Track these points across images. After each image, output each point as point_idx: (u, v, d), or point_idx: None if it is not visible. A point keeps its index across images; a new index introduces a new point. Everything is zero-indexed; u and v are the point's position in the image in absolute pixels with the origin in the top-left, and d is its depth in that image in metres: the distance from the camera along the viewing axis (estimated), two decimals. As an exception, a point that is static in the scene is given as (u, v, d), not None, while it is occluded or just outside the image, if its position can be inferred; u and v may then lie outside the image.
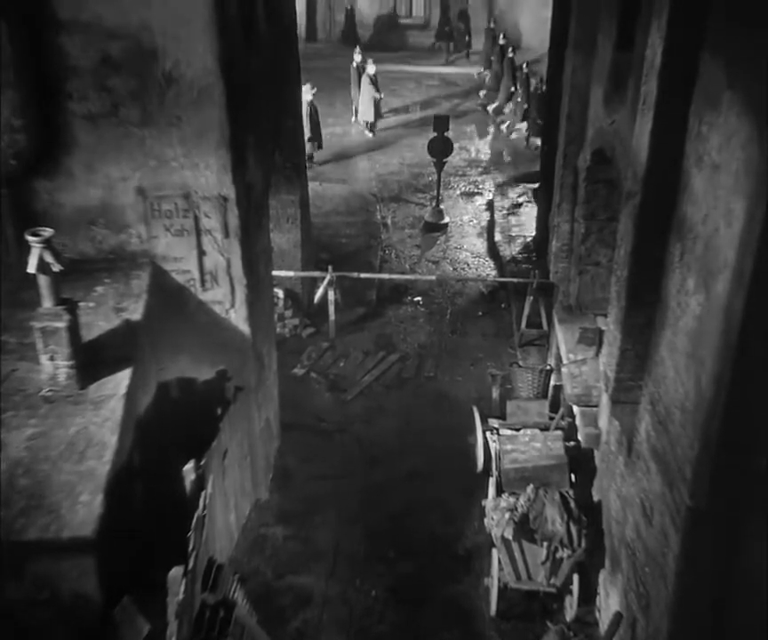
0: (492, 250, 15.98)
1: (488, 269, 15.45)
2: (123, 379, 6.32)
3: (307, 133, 18.40)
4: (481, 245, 16.36)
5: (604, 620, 7.78)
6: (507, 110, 22.86)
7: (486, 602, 8.30)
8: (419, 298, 14.28)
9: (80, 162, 7.25)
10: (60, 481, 5.46)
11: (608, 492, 7.82)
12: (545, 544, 7.76)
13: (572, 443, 8.60)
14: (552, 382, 10.48)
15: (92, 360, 6.30)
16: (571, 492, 7.97)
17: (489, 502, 8.30)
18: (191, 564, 5.57)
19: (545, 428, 8.95)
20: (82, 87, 6.99)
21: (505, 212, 17.16)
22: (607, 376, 7.63)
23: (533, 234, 15.50)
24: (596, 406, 8.29)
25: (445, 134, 16.62)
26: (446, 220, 17.18)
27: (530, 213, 16.47)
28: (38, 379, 6.20)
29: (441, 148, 16.73)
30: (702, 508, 5.49)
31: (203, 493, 6.16)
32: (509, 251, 15.54)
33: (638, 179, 6.63)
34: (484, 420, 9.31)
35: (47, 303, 5.95)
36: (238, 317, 8.09)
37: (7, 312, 6.71)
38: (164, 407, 7.10)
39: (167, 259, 7.68)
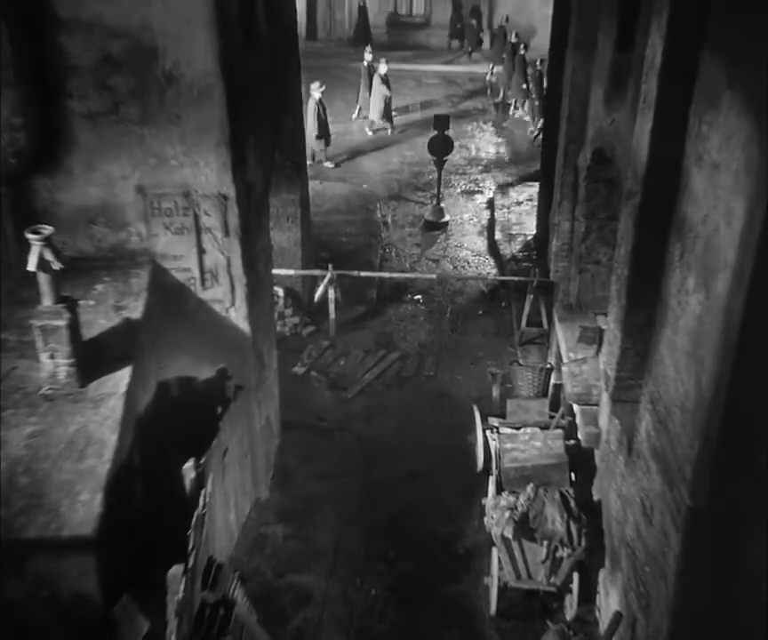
0: (493, 248, 15.98)
1: (488, 268, 15.43)
2: (123, 377, 6.32)
3: (315, 132, 18.47)
4: (481, 244, 16.35)
5: (604, 619, 7.78)
6: (522, 110, 22.73)
7: (486, 601, 8.30)
8: (419, 296, 14.28)
9: (80, 160, 7.26)
10: (59, 479, 5.47)
11: (608, 492, 7.83)
12: (545, 543, 7.76)
13: (572, 442, 8.59)
14: (552, 381, 10.48)
15: (92, 358, 6.30)
16: (571, 491, 7.97)
17: (489, 501, 8.30)
18: (191, 563, 5.57)
19: (545, 427, 8.93)
20: (82, 86, 6.99)
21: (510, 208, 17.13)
22: (607, 375, 7.63)
23: (534, 232, 15.50)
24: (596, 405, 8.29)
25: (445, 133, 16.62)
26: (446, 218, 17.16)
27: (530, 212, 16.47)
28: (38, 377, 6.20)
29: (441, 147, 16.72)
30: (702, 508, 5.49)
31: (202, 492, 6.17)
32: (510, 249, 15.54)
33: (638, 178, 6.63)
34: (484, 419, 9.30)
35: (47, 301, 5.95)
36: (238, 316, 8.09)
37: (7, 310, 6.71)
38: (164, 406, 7.10)
39: (167, 257, 7.67)
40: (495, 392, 10.73)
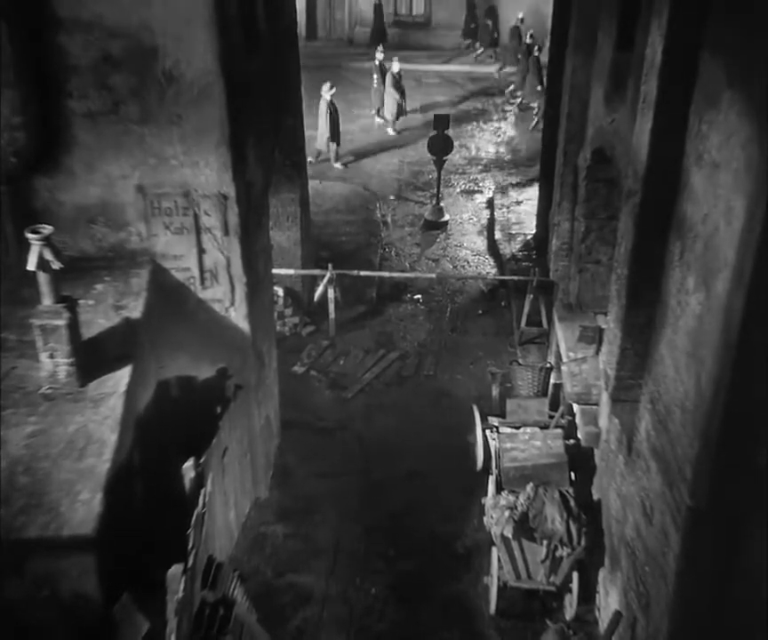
0: (492, 248, 15.98)
1: (488, 267, 15.43)
2: (122, 376, 6.33)
3: (327, 133, 18.45)
4: (481, 243, 16.34)
5: (604, 618, 7.78)
6: (534, 105, 22.73)
7: (486, 600, 8.30)
8: (419, 296, 14.28)
9: (80, 160, 7.26)
10: (59, 479, 5.47)
11: (608, 491, 7.83)
12: (545, 542, 7.76)
13: (571, 441, 8.60)
14: (552, 380, 10.48)
15: (92, 358, 6.30)
16: (570, 491, 7.97)
17: (488, 500, 8.31)
18: (191, 562, 5.57)
19: (545, 427, 8.94)
20: (82, 85, 6.99)
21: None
22: (607, 374, 7.63)
23: (534, 232, 15.50)
24: (595, 405, 8.29)
25: (445, 132, 16.62)
26: (446, 217, 17.16)
27: (530, 211, 16.48)
28: (38, 376, 6.20)
29: (441, 146, 16.72)
30: (702, 508, 5.49)
31: (202, 491, 6.17)
32: (509, 249, 15.55)
33: (638, 177, 6.63)
34: (483, 419, 9.31)
35: (47, 301, 5.95)
36: (238, 315, 8.10)
37: (7, 309, 6.71)
38: (164, 405, 7.10)
39: (167, 257, 7.68)
40: (495, 391, 10.73)
